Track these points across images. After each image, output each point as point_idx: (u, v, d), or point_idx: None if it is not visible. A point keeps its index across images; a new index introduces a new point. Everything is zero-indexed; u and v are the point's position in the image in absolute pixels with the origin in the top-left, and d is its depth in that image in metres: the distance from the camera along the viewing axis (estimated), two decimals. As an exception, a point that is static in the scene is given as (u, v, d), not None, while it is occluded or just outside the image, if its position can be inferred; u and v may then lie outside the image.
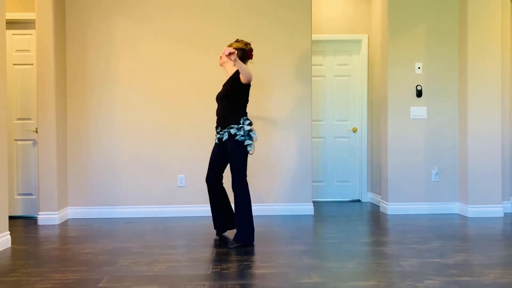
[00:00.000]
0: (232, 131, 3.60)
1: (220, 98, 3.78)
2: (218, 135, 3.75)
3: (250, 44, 3.83)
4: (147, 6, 4.81)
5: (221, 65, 3.84)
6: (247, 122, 3.65)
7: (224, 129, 3.66)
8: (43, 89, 4.45)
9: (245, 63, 3.72)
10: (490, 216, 4.72)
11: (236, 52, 3.38)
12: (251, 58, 3.86)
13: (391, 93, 4.93)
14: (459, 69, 4.91)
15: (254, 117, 4.84)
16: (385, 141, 5.02)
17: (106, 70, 4.81)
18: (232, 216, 3.94)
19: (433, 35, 4.92)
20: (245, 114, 3.72)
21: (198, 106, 4.86)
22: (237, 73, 3.65)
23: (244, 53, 3.75)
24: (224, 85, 3.80)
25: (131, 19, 4.82)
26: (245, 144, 3.60)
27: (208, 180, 3.85)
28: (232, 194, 4.12)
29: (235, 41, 3.82)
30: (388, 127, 4.94)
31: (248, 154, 3.72)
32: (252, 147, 3.63)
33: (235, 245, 3.56)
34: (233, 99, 3.68)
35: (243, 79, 3.53)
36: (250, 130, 3.63)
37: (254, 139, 3.66)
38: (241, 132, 3.59)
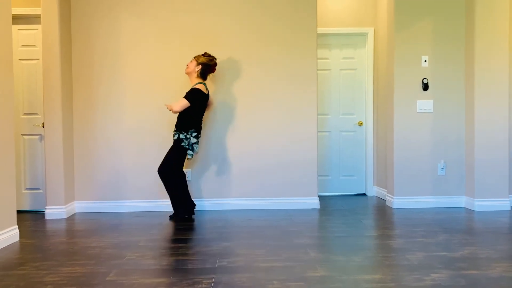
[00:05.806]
0: (181, 136, 4.24)
1: None
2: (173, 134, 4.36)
3: (215, 59, 4.41)
4: (152, 1, 4.81)
5: (186, 73, 4.39)
6: (194, 134, 4.25)
7: (177, 131, 4.27)
8: (49, 83, 4.46)
9: (206, 76, 4.39)
10: (497, 209, 4.70)
11: (173, 107, 4.16)
12: (214, 72, 4.49)
13: (397, 87, 4.90)
14: (466, 62, 4.88)
15: (259, 110, 4.84)
16: (391, 135, 5.00)
17: (112, 65, 4.81)
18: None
19: (440, 28, 4.88)
20: (196, 125, 4.28)
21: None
22: (192, 90, 4.21)
23: (207, 67, 4.33)
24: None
25: (136, 13, 4.81)
26: (187, 153, 4.26)
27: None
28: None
29: (203, 55, 4.37)
30: (394, 120, 4.92)
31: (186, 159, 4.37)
32: (191, 156, 4.26)
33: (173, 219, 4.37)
34: (184, 111, 4.24)
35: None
36: (195, 143, 4.26)
37: (195, 151, 4.28)
38: (187, 142, 4.22)
